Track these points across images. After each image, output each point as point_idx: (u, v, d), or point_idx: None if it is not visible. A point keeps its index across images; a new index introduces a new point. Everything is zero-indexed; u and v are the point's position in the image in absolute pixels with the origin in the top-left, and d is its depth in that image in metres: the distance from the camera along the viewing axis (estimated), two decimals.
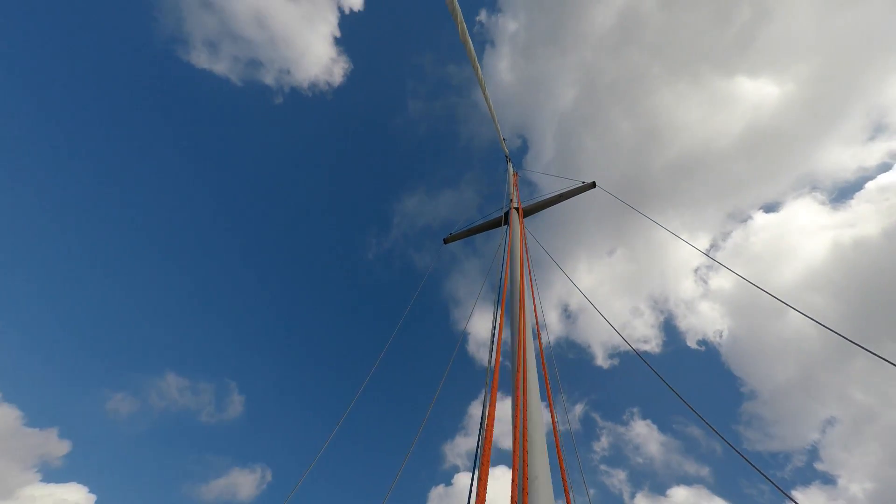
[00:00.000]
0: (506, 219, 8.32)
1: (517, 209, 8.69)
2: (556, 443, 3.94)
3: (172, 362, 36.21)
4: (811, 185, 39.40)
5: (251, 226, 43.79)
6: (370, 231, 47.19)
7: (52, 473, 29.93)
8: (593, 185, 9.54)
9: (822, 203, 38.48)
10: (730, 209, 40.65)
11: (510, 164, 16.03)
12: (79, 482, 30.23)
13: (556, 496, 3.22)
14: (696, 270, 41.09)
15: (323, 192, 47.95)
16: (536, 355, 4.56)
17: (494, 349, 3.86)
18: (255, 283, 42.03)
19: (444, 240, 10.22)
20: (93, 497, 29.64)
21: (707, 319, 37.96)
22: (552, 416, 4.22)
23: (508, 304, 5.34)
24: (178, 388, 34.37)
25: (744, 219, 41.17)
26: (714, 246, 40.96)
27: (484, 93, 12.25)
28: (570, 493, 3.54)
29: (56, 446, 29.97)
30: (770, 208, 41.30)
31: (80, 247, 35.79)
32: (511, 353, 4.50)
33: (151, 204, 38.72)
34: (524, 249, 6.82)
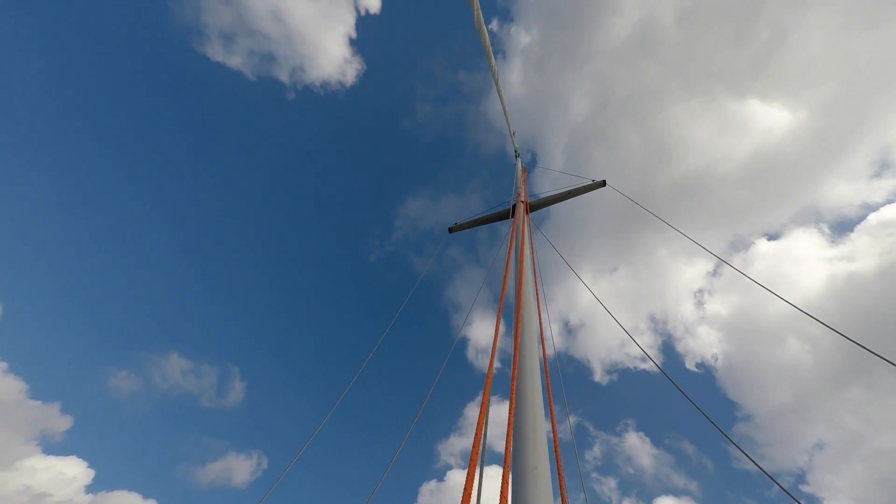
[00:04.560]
0: (513, 212, 8.15)
1: (524, 203, 8.51)
2: (555, 441, 3.81)
3: (177, 343, 36.40)
4: (814, 217, 38.94)
5: (260, 219, 43.87)
6: (373, 233, 47.20)
7: (53, 447, 30.17)
8: (603, 183, 9.34)
9: (823, 235, 38.13)
10: (730, 236, 40.14)
11: (518, 160, 15.82)
12: (79, 456, 30.53)
13: (554, 496, 3.11)
14: (695, 293, 40.89)
15: (329, 191, 47.99)
16: (539, 355, 4.41)
17: (498, 334, 3.70)
18: (261, 274, 42.18)
19: (449, 229, 10.07)
20: (91, 472, 29.92)
21: (705, 343, 37.94)
22: (552, 414, 4.09)
23: (513, 300, 5.18)
24: (181, 370, 34.55)
25: (745, 246, 40.69)
26: (711, 272, 40.81)
27: (496, 83, 12.02)
28: (566, 496, 3.42)
29: (58, 421, 30.18)
30: (771, 237, 40.90)
31: (91, 227, 35.87)
32: (512, 351, 4.35)
33: (163, 193, 38.76)
34: (528, 243, 6.65)
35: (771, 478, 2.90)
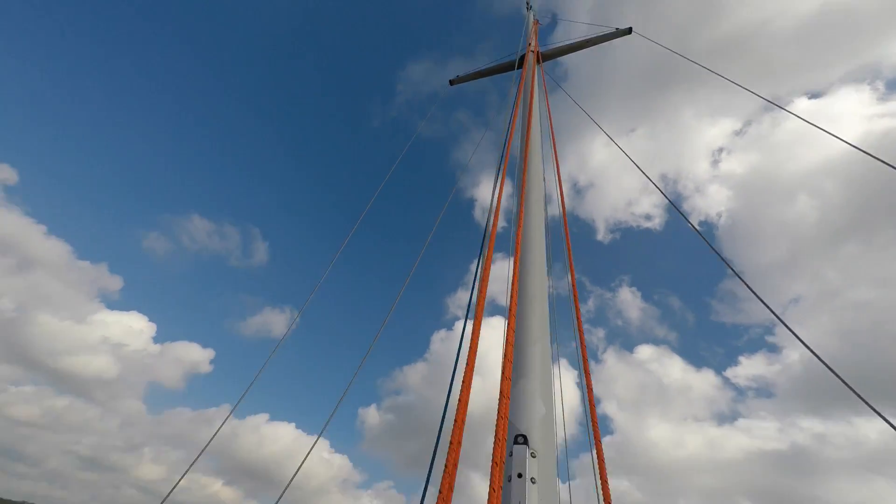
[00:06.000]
0: (521, 63, 7.01)
1: (534, 52, 7.28)
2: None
3: (197, 204, 36.79)
4: (870, 74, 35.69)
5: (265, 85, 40.40)
6: (375, 99, 43.91)
7: (114, 303, 32.78)
8: (629, 31, 7.94)
9: (875, 92, 35.47)
10: (766, 95, 36.95)
11: (530, 12, 13.60)
12: (139, 311, 33.65)
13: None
14: (714, 152, 39.86)
15: (329, 55, 43.14)
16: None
17: (497, 191, 3.25)
18: (272, 138, 40.70)
19: (450, 81, 8.91)
20: (153, 325, 33.24)
21: (713, 201, 38.50)
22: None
23: (520, 153, 4.58)
24: (205, 231, 35.56)
25: (781, 104, 37.88)
26: (738, 130, 39.01)
27: None
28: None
29: (109, 280, 32.11)
30: (813, 95, 38.09)
31: (104, 94, 32.99)
32: (515, 203, 3.95)
33: (171, 60, 34.78)
34: (538, 94, 5.78)
35: (764, 304, 2.79)
